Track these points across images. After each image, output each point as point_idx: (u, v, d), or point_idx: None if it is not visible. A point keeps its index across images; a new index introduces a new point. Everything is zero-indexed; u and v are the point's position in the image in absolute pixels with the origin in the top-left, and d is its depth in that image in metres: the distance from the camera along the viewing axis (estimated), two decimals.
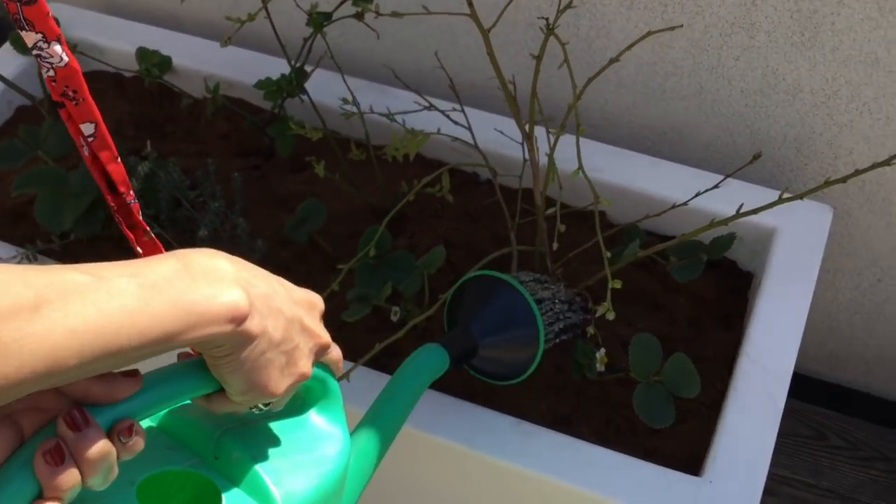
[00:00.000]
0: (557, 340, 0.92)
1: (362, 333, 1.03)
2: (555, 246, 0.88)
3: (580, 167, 0.86)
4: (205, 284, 0.46)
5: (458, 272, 1.03)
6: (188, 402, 0.52)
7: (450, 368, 0.80)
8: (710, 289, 1.09)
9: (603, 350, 0.97)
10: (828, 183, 0.86)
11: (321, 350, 0.55)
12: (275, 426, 0.57)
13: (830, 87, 1.06)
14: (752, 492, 0.87)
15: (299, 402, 0.59)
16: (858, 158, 1.12)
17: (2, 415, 0.45)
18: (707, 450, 0.92)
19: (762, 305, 1.00)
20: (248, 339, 0.48)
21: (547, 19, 0.81)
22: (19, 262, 1.05)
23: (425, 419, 0.92)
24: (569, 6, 0.82)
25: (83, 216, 1.02)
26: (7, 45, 1.29)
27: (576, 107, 0.82)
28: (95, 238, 1.09)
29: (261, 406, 0.54)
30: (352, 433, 0.65)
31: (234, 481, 0.54)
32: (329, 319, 1.05)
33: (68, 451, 0.44)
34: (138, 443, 0.46)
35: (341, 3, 1.07)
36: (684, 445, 0.95)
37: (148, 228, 0.59)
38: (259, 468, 0.54)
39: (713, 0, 1.03)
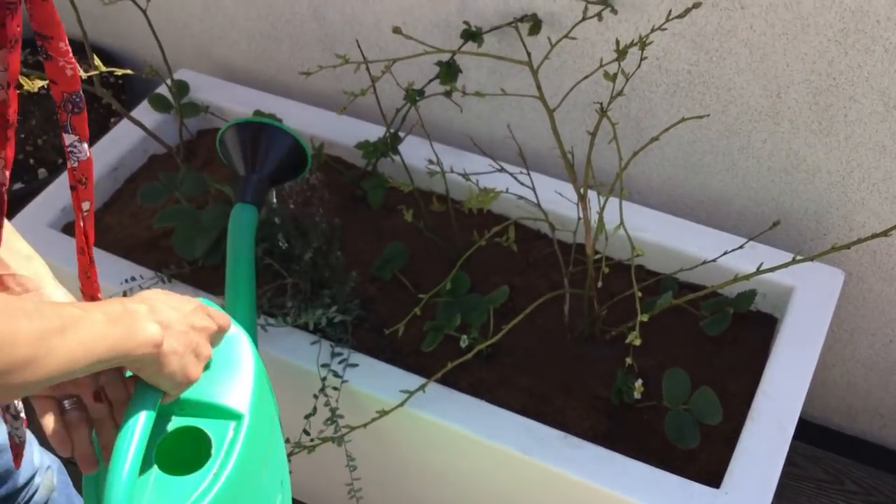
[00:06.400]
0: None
1: (437, 358, 1.22)
2: (598, 284, 1.06)
3: (621, 223, 1.05)
4: (136, 322, 0.67)
5: (517, 313, 1.21)
6: None
7: (259, 213, 1.12)
8: (737, 336, 1.26)
9: (640, 381, 1.15)
10: (835, 248, 1.04)
11: (217, 332, 0.77)
12: None
13: (845, 168, 1.24)
14: (761, 503, 1.03)
15: None
16: (871, 231, 1.29)
17: (44, 393, 0.72)
18: (725, 468, 1.09)
19: (778, 351, 1.17)
20: (163, 356, 0.69)
21: (601, 103, 1.01)
22: (155, 283, 1.26)
23: (488, 429, 1.10)
24: (620, 94, 1.01)
25: (211, 247, 1.23)
26: (145, 103, 1.53)
27: (621, 175, 1.02)
28: (216, 266, 1.30)
29: None
30: (229, 296, 0.96)
31: (202, 418, 0.76)
32: (412, 348, 1.25)
33: None
34: None
35: (429, 82, 1.29)
36: (707, 465, 1.11)
37: (97, 282, 0.79)
38: (210, 399, 0.76)
39: (744, 91, 1.22)
